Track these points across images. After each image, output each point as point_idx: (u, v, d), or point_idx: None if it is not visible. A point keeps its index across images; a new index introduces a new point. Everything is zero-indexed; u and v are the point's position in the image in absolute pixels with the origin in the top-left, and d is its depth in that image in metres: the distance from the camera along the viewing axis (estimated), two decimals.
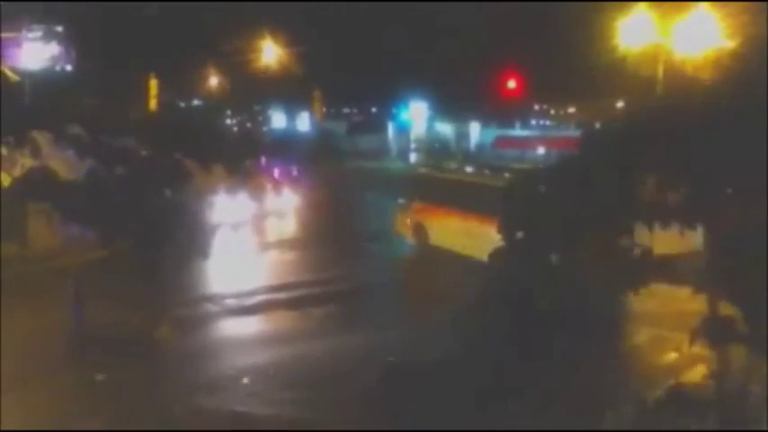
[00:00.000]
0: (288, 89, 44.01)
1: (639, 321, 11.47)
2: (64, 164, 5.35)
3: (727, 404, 5.98)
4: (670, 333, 11.27)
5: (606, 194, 5.67)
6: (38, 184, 4.67)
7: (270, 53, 39.33)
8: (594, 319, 6.07)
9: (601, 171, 5.69)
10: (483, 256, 15.95)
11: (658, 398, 6.81)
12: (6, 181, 5.05)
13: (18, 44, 33.68)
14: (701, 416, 6.08)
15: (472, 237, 16.16)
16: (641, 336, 11.58)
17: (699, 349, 6.23)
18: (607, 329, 5.89)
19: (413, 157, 44.63)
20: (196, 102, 42.98)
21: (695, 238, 6.13)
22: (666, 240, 6.16)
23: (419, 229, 19.03)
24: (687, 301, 6.46)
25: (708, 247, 6.07)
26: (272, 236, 23.23)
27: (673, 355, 10.73)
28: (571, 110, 50.13)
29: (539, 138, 46.17)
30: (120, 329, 12.48)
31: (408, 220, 19.65)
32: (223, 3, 35.30)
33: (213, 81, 44.67)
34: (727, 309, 5.76)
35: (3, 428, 8.45)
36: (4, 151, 5.10)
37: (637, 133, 5.84)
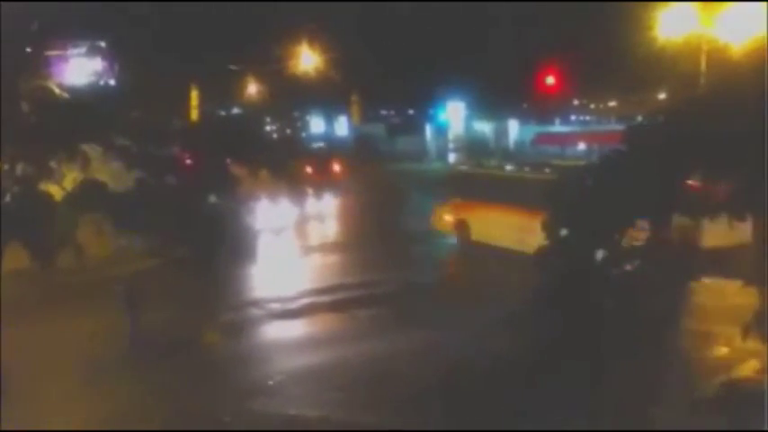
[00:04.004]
0: (325, 94, 44.31)
1: (690, 316, 11.26)
2: (110, 175, 5.50)
3: None
4: (721, 327, 11.04)
5: (653, 188, 5.59)
6: (90, 196, 4.82)
7: (307, 59, 39.66)
8: (644, 314, 5.99)
9: (646, 165, 5.62)
10: (525, 248, 16.26)
11: (710, 393, 6.68)
12: (57, 194, 5.21)
13: (65, 60, 34.60)
14: (755, 411, 5.95)
15: (514, 230, 16.68)
16: (692, 331, 11.37)
17: (751, 344, 6.10)
18: (657, 325, 5.80)
19: (452, 157, 44.48)
20: (236, 110, 43.56)
21: (745, 231, 6.01)
22: (716, 233, 6.06)
23: (461, 226, 19.58)
24: (738, 295, 6.34)
25: (758, 239, 5.95)
26: (314, 239, 23.42)
27: (724, 350, 10.50)
28: (611, 104, 49.37)
29: (579, 133, 45.56)
30: (170, 334, 12.75)
31: (448, 217, 20.10)
32: (260, 10, 35.72)
33: (252, 89, 45.24)
34: None
35: (41, 427, 8.71)
36: (54, 165, 5.27)
37: (682, 125, 5.75)
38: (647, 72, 30.08)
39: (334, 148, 42.76)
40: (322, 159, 31.54)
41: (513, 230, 16.79)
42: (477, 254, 18.57)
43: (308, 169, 27.61)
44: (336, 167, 31.90)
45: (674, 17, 24.44)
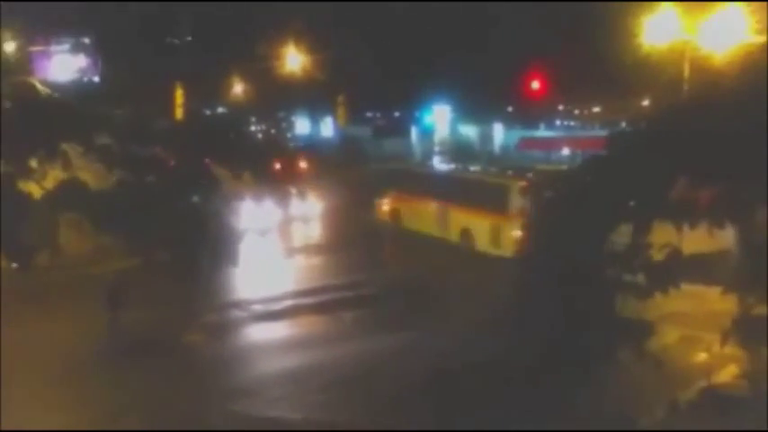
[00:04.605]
0: (311, 95, 44.20)
1: (670, 322, 11.35)
2: (93, 175, 5.44)
3: (761, 404, 5.90)
4: (701, 333, 11.13)
5: (635, 194, 5.63)
6: (69, 196, 4.75)
7: (293, 60, 39.55)
8: (624, 319, 6.02)
9: (629, 171, 5.66)
10: (444, 234, 19.94)
11: (691, 399, 6.73)
12: (37, 193, 5.15)
13: (48, 57, 34.28)
14: (734, 416, 6.00)
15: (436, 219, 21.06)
16: (672, 336, 11.45)
17: (730, 349, 6.15)
18: (637, 330, 5.84)
19: (436, 160, 44.60)
20: (221, 109, 43.37)
21: (724, 237, 6.06)
22: (696, 239, 6.11)
23: (394, 214, 23.57)
24: (718, 301, 6.39)
25: (739, 245, 6.00)
26: (298, 241, 23.35)
27: (704, 356, 10.59)
28: (596, 109, 49.64)
29: (563, 138, 45.80)
30: (152, 334, 12.65)
31: (385, 207, 23.97)
32: (248, 10, 35.60)
33: (238, 88, 45.04)
34: (759, 308, 5.68)
35: (26, 428, 8.65)
36: (34, 164, 5.20)
37: (665, 133, 5.79)
38: (631, 78, 30.24)
39: (312, 147, 43.36)
40: (290, 157, 32.96)
41: (435, 219, 21.07)
42: (407, 238, 21.37)
43: (277, 166, 28.71)
44: (303, 165, 33.12)
45: (659, 24, 24.60)
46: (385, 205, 24.00)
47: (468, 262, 18.39)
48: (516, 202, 18.15)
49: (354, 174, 31.80)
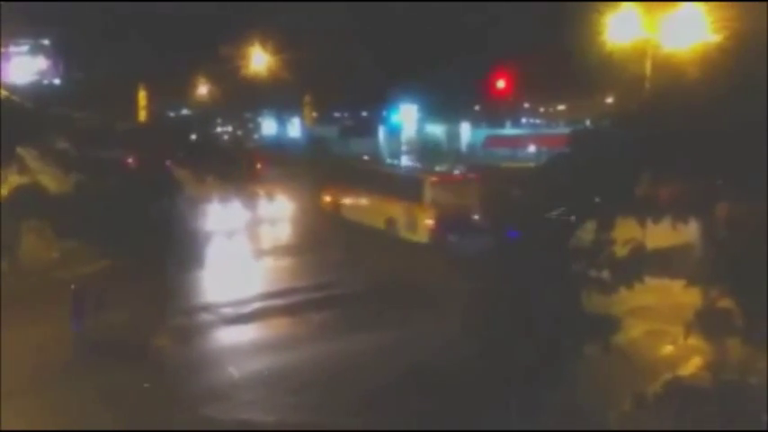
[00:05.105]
0: (278, 95, 43.92)
1: (635, 316, 11.51)
2: (52, 178, 5.32)
3: (725, 395, 6.00)
4: (666, 326, 11.30)
5: (599, 191, 5.68)
6: (28, 201, 4.64)
7: (259, 60, 39.27)
8: (591, 315, 6.08)
9: (593, 168, 5.71)
10: (375, 223, 22.37)
11: (656, 392, 6.82)
12: None
13: (6, 59, 33.52)
14: (700, 408, 6.09)
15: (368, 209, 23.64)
16: (638, 330, 11.62)
17: (695, 342, 6.25)
18: (604, 325, 5.90)
19: (404, 160, 44.74)
20: (185, 111, 42.84)
21: (687, 232, 6.15)
22: (659, 234, 6.19)
23: (334, 205, 26.19)
24: (682, 295, 6.49)
25: (702, 240, 6.10)
26: (266, 242, 23.18)
27: (669, 349, 10.76)
28: (561, 107, 50.12)
29: (529, 136, 46.19)
30: (119, 338, 12.45)
31: (326, 198, 26.48)
32: (212, 9, 35.22)
33: (203, 90, 44.55)
34: (722, 301, 5.78)
35: (4, 429, 8.51)
36: None
37: (627, 131, 5.86)
38: (595, 76, 30.53)
39: (278, 147, 45.08)
40: (246, 157, 34.35)
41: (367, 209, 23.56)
42: (345, 225, 23.27)
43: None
44: (258, 165, 35.20)
45: (621, 22, 24.84)
46: (325, 196, 26.53)
47: (409, 253, 19.46)
48: (429, 193, 21.19)
49: (319, 173, 31.85)
